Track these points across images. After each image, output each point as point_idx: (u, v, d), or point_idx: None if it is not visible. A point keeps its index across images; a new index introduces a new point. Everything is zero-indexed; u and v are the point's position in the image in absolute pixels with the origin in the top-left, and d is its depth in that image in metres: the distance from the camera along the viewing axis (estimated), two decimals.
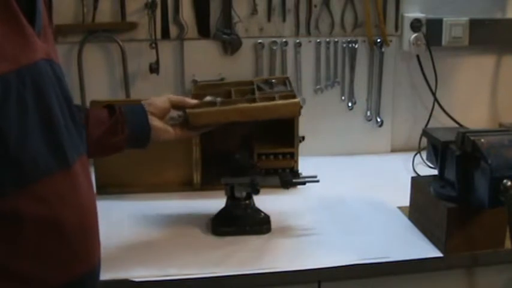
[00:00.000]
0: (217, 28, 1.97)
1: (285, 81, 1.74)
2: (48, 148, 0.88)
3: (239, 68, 2.02)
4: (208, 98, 1.57)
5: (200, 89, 1.71)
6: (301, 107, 1.54)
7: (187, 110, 1.47)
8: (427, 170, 1.85)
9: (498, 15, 2.14)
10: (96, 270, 1.00)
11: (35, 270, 0.88)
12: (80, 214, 0.93)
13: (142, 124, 1.39)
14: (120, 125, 1.34)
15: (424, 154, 1.81)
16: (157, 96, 1.48)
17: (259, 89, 1.65)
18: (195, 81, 1.99)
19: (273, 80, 1.71)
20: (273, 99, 1.54)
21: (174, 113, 1.49)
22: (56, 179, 0.89)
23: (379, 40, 2.06)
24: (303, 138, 1.87)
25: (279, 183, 1.55)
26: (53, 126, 0.90)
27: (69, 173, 0.92)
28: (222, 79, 2.00)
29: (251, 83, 1.69)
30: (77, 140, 0.97)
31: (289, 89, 1.68)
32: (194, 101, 1.50)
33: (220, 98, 1.55)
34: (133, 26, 1.93)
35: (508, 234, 1.43)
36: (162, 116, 1.44)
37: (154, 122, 1.41)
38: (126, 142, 1.36)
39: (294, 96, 1.56)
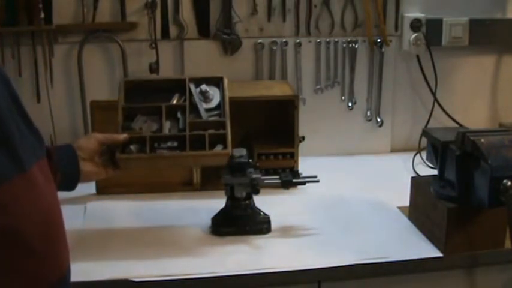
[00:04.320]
0: (217, 28, 1.97)
1: (218, 83, 1.58)
2: (0, 153, 0.83)
3: (239, 68, 2.02)
4: (137, 121, 1.52)
5: (129, 87, 1.59)
6: (230, 157, 1.48)
7: (117, 155, 1.46)
8: (427, 170, 1.85)
9: (498, 15, 2.14)
10: (66, 278, 0.96)
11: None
12: (43, 221, 0.88)
13: (72, 171, 1.41)
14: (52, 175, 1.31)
15: (424, 154, 1.81)
16: (87, 137, 1.50)
17: (191, 103, 1.54)
18: None
19: (207, 89, 1.55)
20: (204, 139, 1.47)
21: (105, 149, 1.49)
22: (12, 185, 0.84)
23: (379, 40, 2.06)
24: (303, 138, 1.87)
25: (279, 183, 1.55)
26: (2, 129, 0.84)
27: (26, 178, 0.86)
28: None
29: (183, 83, 1.56)
30: (33, 142, 0.92)
31: (222, 117, 1.53)
32: (123, 136, 1.48)
33: (149, 122, 1.51)
34: (133, 26, 1.93)
35: (508, 234, 1.42)
36: (91, 157, 1.45)
37: (84, 167, 1.43)
38: None
39: (224, 139, 1.48)
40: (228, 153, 1.47)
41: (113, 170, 1.49)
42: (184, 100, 1.55)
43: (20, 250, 0.85)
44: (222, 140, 1.49)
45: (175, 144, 1.48)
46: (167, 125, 1.52)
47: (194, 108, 1.55)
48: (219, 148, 1.48)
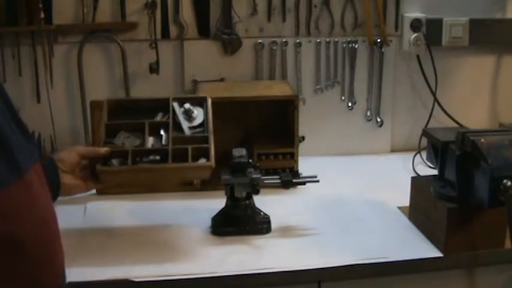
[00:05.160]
0: (217, 28, 1.97)
1: (202, 103, 1.59)
2: None
3: (239, 68, 2.02)
4: (120, 137, 1.51)
5: (112, 106, 1.58)
6: (212, 169, 1.44)
7: (98, 168, 1.42)
8: (427, 170, 1.85)
9: (498, 15, 2.14)
10: (62, 284, 0.95)
11: None
12: (39, 227, 0.88)
13: (53, 183, 1.37)
14: None
15: (424, 154, 1.81)
16: (68, 150, 1.46)
17: (175, 122, 1.53)
18: (195, 81, 1.99)
19: (190, 108, 1.55)
20: (186, 152, 1.45)
21: (86, 163, 1.46)
22: (9, 190, 0.83)
23: (379, 40, 2.06)
24: (303, 138, 1.87)
25: (279, 183, 1.55)
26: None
27: (23, 182, 0.86)
28: (222, 79, 2.00)
29: (166, 103, 1.56)
30: (28, 146, 0.91)
31: (205, 132, 1.52)
32: (104, 150, 1.45)
33: (132, 138, 1.50)
34: (133, 26, 1.93)
35: (508, 234, 1.43)
36: (72, 170, 1.42)
37: (65, 179, 1.41)
38: None
39: (207, 152, 1.46)
40: (211, 166, 1.43)
41: (94, 183, 1.46)
42: (168, 118, 1.54)
43: (17, 255, 0.84)
44: (205, 154, 1.46)
45: (158, 158, 1.46)
46: (150, 141, 1.51)
47: (178, 127, 1.54)
48: (202, 161, 1.46)
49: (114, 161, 1.46)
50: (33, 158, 0.91)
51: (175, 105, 1.56)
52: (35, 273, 0.87)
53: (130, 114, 1.56)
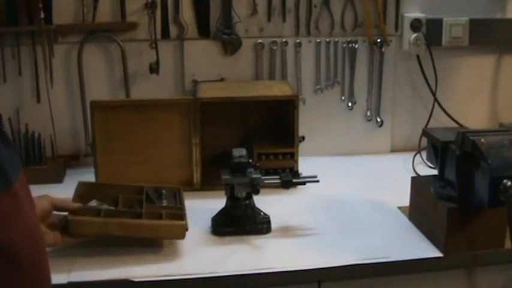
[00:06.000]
0: (217, 28, 1.97)
1: (175, 193, 1.62)
2: None
3: (239, 68, 2.02)
4: (93, 203, 1.50)
5: (86, 190, 1.57)
6: (186, 230, 1.43)
7: (70, 217, 1.39)
8: (427, 170, 1.85)
9: (498, 15, 2.14)
10: None
11: None
12: (28, 236, 0.88)
13: None
14: None
15: (424, 154, 1.81)
16: (41, 196, 1.39)
17: (148, 199, 1.54)
18: (195, 81, 1.99)
19: (164, 191, 1.59)
20: (160, 216, 1.46)
21: (54, 217, 1.41)
22: (0, 200, 0.84)
23: (379, 40, 2.06)
24: (303, 138, 1.87)
25: (279, 183, 1.55)
26: None
27: (11, 192, 0.86)
28: (222, 79, 2.00)
29: (141, 190, 1.57)
30: (12, 156, 0.90)
31: (178, 204, 1.56)
32: (77, 205, 1.43)
33: (105, 205, 1.50)
34: (133, 26, 1.93)
35: (508, 234, 1.43)
36: (42, 218, 1.35)
37: None
38: None
39: (181, 216, 1.47)
40: (184, 225, 1.43)
41: (61, 235, 1.40)
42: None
43: (9, 263, 0.85)
44: (178, 218, 1.47)
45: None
46: (123, 210, 1.50)
47: (151, 203, 1.54)
48: (176, 221, 1.46)
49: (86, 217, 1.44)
50: (17, 167, 0.91)
51: (150, 191, 1.57)
52: (26, 281, 0.88)
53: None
